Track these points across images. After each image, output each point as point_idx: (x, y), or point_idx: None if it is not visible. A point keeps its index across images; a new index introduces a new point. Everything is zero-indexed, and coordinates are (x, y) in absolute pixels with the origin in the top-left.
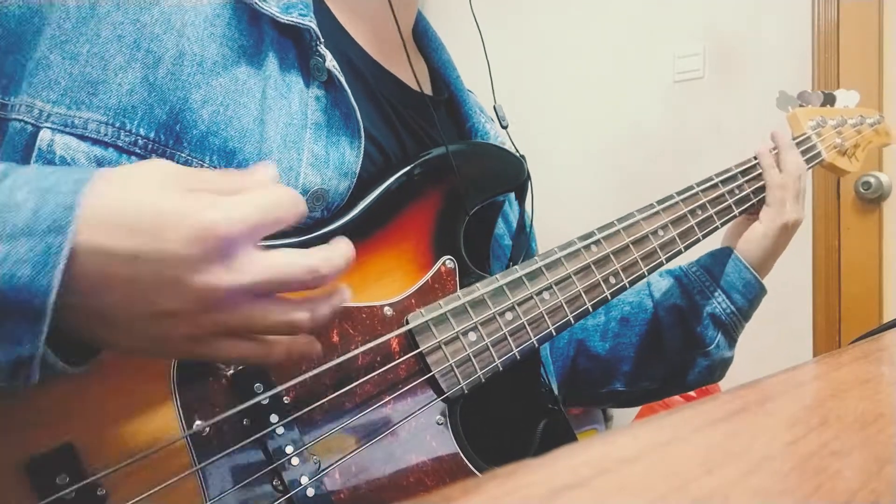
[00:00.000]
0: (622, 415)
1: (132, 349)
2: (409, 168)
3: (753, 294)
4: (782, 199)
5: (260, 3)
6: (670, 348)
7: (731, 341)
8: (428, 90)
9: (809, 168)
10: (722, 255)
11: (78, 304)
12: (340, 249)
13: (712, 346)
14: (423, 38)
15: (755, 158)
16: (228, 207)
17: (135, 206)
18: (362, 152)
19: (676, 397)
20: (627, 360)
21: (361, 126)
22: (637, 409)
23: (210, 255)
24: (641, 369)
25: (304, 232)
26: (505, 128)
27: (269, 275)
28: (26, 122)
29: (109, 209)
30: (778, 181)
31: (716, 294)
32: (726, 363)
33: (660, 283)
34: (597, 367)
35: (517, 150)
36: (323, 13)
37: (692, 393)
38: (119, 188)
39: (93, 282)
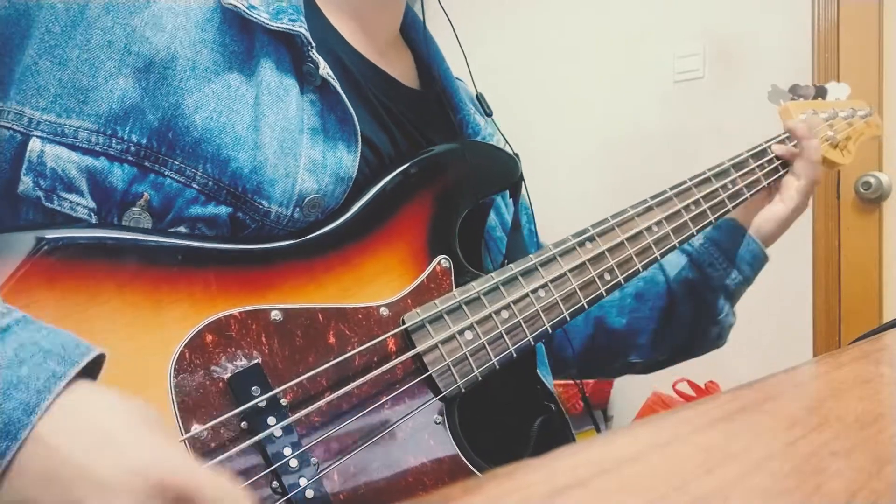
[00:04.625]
0: (622, 415)
1: None
2: (403, 168)
3: (760, 265)
4: (813, 176)
5: (248, 11)
6: (682, 319)
7: (733, 306)
8: (416, 84)
9: None
10: (730, 230)
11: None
12: None
13: (722, 314)
14: (411, 31)
15: (784, 134)
16: None
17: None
18: (359, 156)
19: (677, 397)
20: (643, 333)
21: (359, 130)
22: (637, 410)
23: None
24: (656, 340)
25: (299, 235)
26: (489, 115)
27: None
28: (15, 130)
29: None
30: (814, 157)
31: (725, 267)
32: (731, 327)
33: (671, 258)
34: (614, 341)
35: (507, 143)
36: (312, 11)
37: (692, 393)
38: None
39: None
